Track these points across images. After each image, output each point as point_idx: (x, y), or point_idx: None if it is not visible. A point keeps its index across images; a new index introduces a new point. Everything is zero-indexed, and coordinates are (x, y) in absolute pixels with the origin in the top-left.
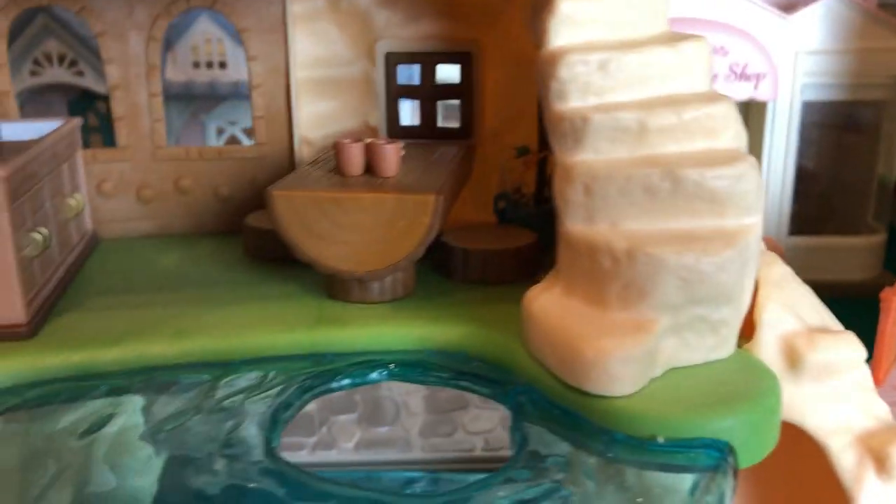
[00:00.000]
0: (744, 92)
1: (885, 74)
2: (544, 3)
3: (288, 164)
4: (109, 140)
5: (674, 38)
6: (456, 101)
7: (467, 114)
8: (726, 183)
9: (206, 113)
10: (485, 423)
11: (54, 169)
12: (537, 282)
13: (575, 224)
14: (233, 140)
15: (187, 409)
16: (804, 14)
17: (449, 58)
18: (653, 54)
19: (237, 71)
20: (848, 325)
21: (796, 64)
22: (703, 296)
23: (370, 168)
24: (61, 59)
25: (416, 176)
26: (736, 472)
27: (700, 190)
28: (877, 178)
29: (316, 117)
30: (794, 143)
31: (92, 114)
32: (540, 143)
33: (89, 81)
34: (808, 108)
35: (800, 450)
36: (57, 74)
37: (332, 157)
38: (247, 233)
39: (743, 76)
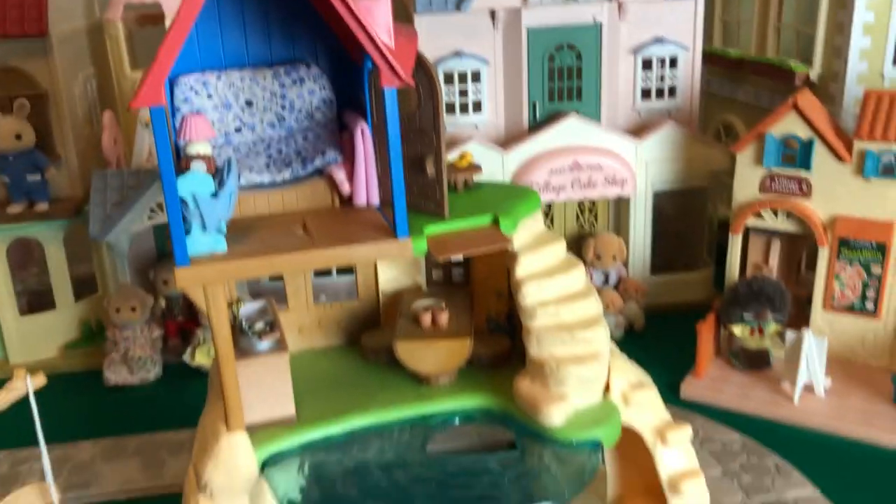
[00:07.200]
0: (615, 192)
1: (705, 171)
2: (513, 259)
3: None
4: None
5: (567, 265)
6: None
7: (467, 275)
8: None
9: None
10: None
11: None
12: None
13: (530, 347)
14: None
15: None
16: (651, 138)
17: None
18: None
19: None
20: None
21: (648, 170)
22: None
23: (433, 321)
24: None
25: (456, 324)
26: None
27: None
28: (706, 228)
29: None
30: (651, 219)
31: None
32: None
33: None
34: (658, 196)
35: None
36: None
37: (411, 313)
38: None
39: (614, 182)
